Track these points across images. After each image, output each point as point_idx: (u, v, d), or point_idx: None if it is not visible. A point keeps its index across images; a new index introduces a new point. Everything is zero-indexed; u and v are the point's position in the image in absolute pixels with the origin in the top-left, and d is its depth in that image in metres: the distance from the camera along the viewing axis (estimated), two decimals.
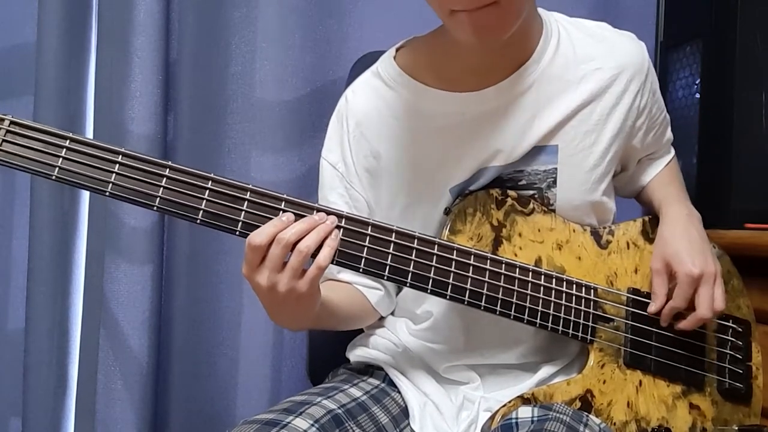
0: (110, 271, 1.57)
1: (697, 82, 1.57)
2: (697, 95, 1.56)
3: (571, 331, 1.09)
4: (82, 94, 1.65)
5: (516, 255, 1.10)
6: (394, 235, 1.02)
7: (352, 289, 1.19)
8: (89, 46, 1.65)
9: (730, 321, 1.18)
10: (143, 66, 1.55)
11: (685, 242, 1.12)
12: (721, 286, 1.11)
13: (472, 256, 1.05)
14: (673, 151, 1.31)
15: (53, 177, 0.92)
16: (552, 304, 1.08)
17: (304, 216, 0.97)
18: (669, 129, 1.28)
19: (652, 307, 1.11)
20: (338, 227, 0.99)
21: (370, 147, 1.15)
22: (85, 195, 1.65)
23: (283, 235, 0.94)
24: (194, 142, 1.64)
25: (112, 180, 0.93)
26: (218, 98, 1.64)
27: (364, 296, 1.19)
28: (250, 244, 0.93)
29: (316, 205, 1.00)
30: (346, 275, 1.18)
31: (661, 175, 1.28)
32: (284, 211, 0.97)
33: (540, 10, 1.14)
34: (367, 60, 1.36)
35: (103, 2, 1.60)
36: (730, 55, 1.45)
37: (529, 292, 1.07)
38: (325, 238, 0.96)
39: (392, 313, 1.26)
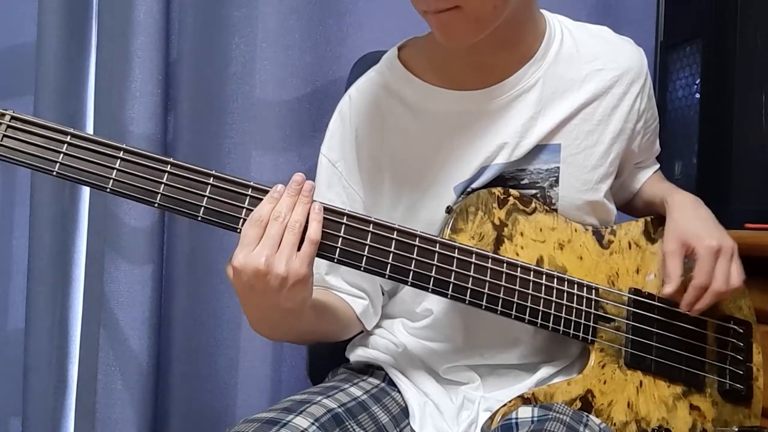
0: (110, 271, 1.56)
1: (697, 82, 1.57)
2: (697, 95, 1.57)
3: (572, 331, 1.09)
4: (82, 94, 1.65)
5: (517, 254, 1.10)
6: (395, 233, 1.01)
7: (337, 297, 1.17)
8: (89, 46, 1.65)
9: (731, 322, 1.18)
10: (143, 66, 1.55)
11: (698, 221, 1.13)
12: (738, 261, 1.11)
13: (474, 255, 1.05)
14: (658, 164, 1.33)
15: (54, 173, 0.92)
16: (553, 303, 1.08)
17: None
18: (657, 140, 1.29)
19: (668, 288, 1.10)
20: (339, 224, 0.99)
21: (374, 146, 1.15)
22: (86, 195, 1.65)
23: (279, 210, 0.94)
24: (194, 142, 1.64)
25: (113, 176, 0.93)
26: (218, 98, 1.64)
27: (348, 305, 1.17)
28: (251, 218, 0.93)
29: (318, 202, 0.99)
30: (332, 281, 1.17)
31: (653, 178, 1.31)
32: None
33: (543, 11, 1.15)
34: (367, 60, 1.36)
35: (103, 2, 1.60)
36: (730, 55, 1.46)
37: (530, 291, 1.07)
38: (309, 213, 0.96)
39: (390, 314, 1.25)
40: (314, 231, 0.95)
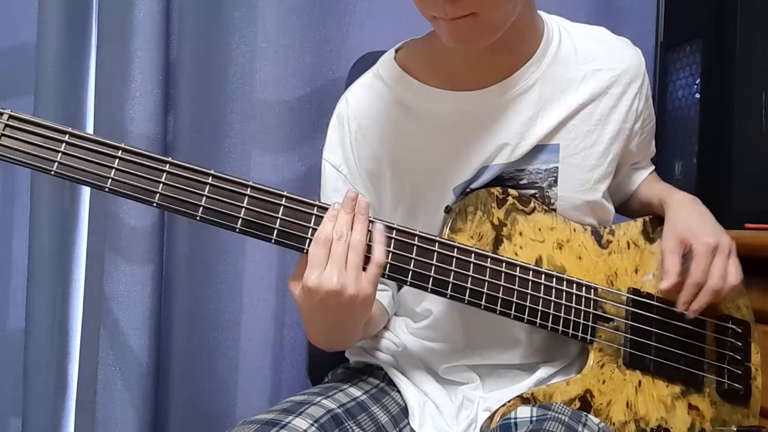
0: (110, 271, 1.56)
1: (697, 82, 1.57)
2: (697, 95, 1.57)
3: (570, 331, 1.09)
4: (82, 94, 1.65)
5: (516, 254, 1.10)
6: (394, 232, 1.01)
7: None
8: (89, 46, 1.65)
9: (730, 322, 1.18)
10: (143, 66, 1.55)
11: (696, 219, 1.13)
12: (736, 259, 1.11)
13: (473, 255, 1.05)
14: (653, 166, 1.33)
15: (52, 172, 0.92)
16: (552, 303, 1.08)
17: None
18: (653, 141, 1.29)
19: (665, 284, 1.10)
20: None
21: (373, 149, 1.15)
22: (86, 195, 1.65)
23: (340, 229, 0.95)
24: (194, 142, 1.64)
25: (112, 175, 0.93)
26: (218, 98, 1.64)
27: (378, 300, 1.17)
28: (317, 239, 0.95)
29: (316, 201, 0.99)
30: None
31: (649, 179, 1.31)
32: (285, 207, 0.98)
33: (540, 12, 1.15)
34: (367, 60, 1.36)
35: (103, 2, 1.59)
36: (730, 55, 1.46)
37: (529, 291, 1.07)
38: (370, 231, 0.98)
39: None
40: (380, 254, 0.98)
